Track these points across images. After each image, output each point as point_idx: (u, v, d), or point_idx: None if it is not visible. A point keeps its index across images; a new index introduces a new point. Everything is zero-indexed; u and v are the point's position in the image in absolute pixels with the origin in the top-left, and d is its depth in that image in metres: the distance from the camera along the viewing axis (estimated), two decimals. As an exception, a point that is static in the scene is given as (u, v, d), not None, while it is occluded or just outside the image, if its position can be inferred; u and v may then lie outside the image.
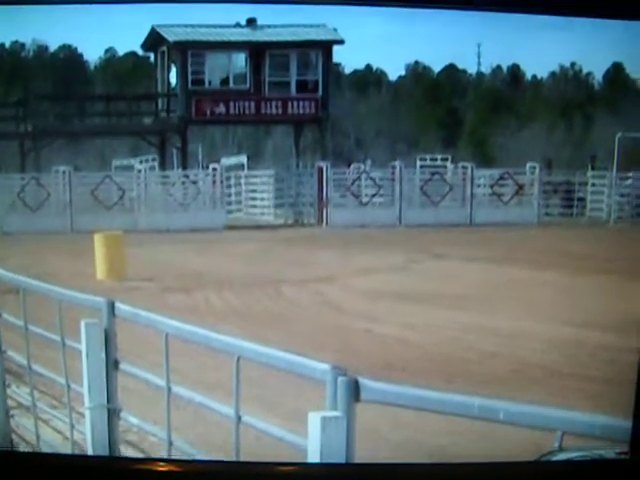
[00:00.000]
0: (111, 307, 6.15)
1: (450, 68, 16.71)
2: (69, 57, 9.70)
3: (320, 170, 18.94)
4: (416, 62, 16.72)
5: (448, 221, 18.23)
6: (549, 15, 4.53)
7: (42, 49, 9.05)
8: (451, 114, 18.37)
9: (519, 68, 18.09)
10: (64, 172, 14.01)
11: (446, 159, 19.41)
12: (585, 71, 19.74)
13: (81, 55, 9.68)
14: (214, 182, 17.80)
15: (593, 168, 20.22)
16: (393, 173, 19.06)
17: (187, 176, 17.10)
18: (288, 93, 18.09)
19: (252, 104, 17.70)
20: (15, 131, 9.73)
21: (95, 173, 12.97)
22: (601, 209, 19.71)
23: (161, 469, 4.75)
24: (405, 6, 4.79)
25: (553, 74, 18.90)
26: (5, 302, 7.25)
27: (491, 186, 19.38)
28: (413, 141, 17.75)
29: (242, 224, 16.91)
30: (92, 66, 10.24)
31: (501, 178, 19.50)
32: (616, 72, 19.31)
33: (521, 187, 19.51)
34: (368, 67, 16.65)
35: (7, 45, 7.95)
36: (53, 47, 9.00)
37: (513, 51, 13.81)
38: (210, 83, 17.56)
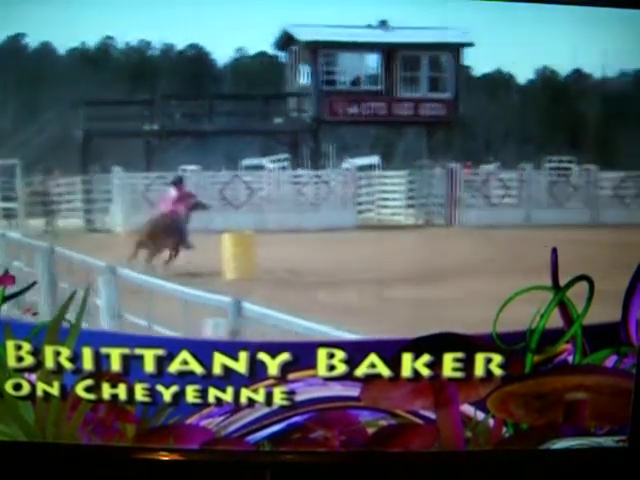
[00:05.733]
0: (238, 307, 6.13)
1: (576, 72, 16.50)
2: (196, 56, 9.75)
3: (451, 171, 18.70)
4: (544, 67, 16.61)
5: (573, 221, 17.92)
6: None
7: (168, 47, 9.11)
8: (576, 117, 18.14)
9: (643, 73, 17.71)
10: (192, 171, 14.08)
11: (571, 161, 19.07)
12: None
13: (208, 54, 9.71)
14: (346, 182, 17.74)
15: None
16: (522, 174, 18.74)
17: (319, 176, 17.08)
18: (420, 94, 17.88)
19: (384, 105, 17.55)
20: (141, 129, 9.77)
21: (223, 172, 12.98)
22: None
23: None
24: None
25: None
26: (129, 302, 7.25)
27: (614, 188, 18.95)
28: (540, 143, 17.55)
29: (373, 224, 16.84)
30: (220, 65, 10.24)
31: (623, 180, 19.03)
32: None
33: (643, 189, 19.08)
34: (498, 70, 16.59)
35: (134, 43, 8.01)
36: (180, 46, 9.05)
37: (637, 56, 13.64)
38: (343, 83, 17.52)
